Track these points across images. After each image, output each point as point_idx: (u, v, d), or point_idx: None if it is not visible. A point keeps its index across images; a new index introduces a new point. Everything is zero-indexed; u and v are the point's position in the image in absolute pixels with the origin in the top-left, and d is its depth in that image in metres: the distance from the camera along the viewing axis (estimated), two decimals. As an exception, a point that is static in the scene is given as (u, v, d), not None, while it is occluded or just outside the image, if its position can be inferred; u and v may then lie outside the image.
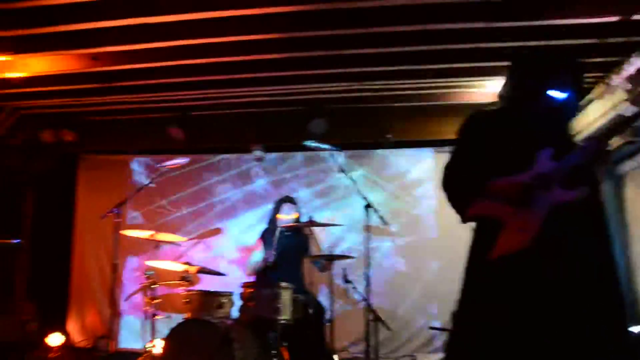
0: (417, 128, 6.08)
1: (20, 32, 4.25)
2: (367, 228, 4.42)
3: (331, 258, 4.59)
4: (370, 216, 4.42)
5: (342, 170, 4.48)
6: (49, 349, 6.45)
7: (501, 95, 2.20)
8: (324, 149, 4.52)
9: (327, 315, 4.71)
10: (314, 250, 4.83)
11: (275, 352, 4.42)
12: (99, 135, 6.79)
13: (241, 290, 4.43)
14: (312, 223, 4.49)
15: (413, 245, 6.17)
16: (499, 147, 2.02)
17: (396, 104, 5.90)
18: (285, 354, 4.27)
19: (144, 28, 4.18)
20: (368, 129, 6.10)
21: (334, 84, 5.28)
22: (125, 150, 6.87)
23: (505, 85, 2.19)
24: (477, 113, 2.21)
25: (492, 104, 2.23)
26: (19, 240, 3.24)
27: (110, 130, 6.74)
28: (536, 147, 1.92)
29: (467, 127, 2.16)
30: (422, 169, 6.29)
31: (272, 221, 5.05)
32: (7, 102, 6.08)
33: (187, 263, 4.71)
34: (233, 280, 5.89)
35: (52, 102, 6.02)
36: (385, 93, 5.57)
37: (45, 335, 6.62)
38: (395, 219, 6.03)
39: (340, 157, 4.65)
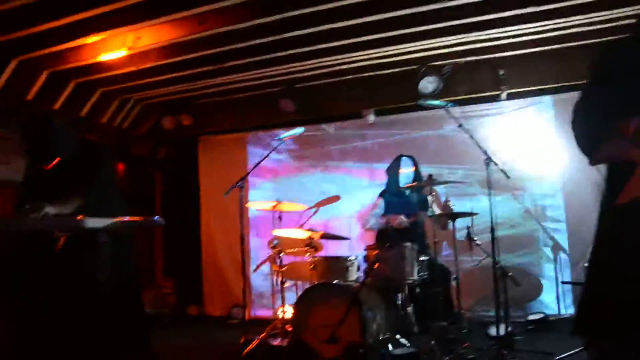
0: (533, 75, 5.76)
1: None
2: (489, 183, 4.28)
3: (453, 216, 4.52)
4: (491, 171, 4.28)
5: (460, 125, 4.35)
6: (189, 319, 6.94)
7: None
8: (438, 107, 4.41)
9: (453, 274, 4.66)
10: (434, 209, 4.76)
11: (403, 312, 4.46)
12: (214, 116, 7.12)
13: (365, 252, 4.48)
14: (432, 181, 4.42)
15: (536, 198, 5.92)
16: (636, 83, 1.85)
17: (508, 53, 5.63)
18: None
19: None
20: (481, 82, 5.88)
21: (442, 39, 5.11)
22: (239, 128, 7.11)
23: None
24: (613, 46, 2.02)
25: (631, 35, 2.03)
26: (158, 217, 3.46)
27: (224, 111, 7.03)
28: None
29: (601, 61, 1.99)
30: (541, 118, 5.97)
31: (391, 180, 5.04)
32: (131, 95, 6.52)
33: (311, 230, 4.82)
34: (356, 243, 5.99)
35: (169, 90, 6.37)
36: (495, 43, 5.32)
37: (184, 306, 7.14)
38: (517, 172, 5.80)
39: (456, 113, 4.50)
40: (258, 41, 4.92)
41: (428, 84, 5.69)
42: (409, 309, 4.49)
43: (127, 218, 3.19)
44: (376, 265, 4.25)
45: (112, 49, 4.95)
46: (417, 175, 4.98)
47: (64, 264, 3.18)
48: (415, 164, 5.03)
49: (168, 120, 7.03)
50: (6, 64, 5.06)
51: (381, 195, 5.18)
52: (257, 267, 5.87)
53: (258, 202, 5.50)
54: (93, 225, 2.88)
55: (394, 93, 6.18)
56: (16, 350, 3.19)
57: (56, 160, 3.31)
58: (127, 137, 7.16)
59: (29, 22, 4.40)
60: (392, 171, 5.07)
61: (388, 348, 4.05)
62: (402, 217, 4.83)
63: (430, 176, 4.44)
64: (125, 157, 7.30)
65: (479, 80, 5.90)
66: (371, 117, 6.28)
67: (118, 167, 7.12)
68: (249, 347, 4.60)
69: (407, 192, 4.93)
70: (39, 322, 3.17)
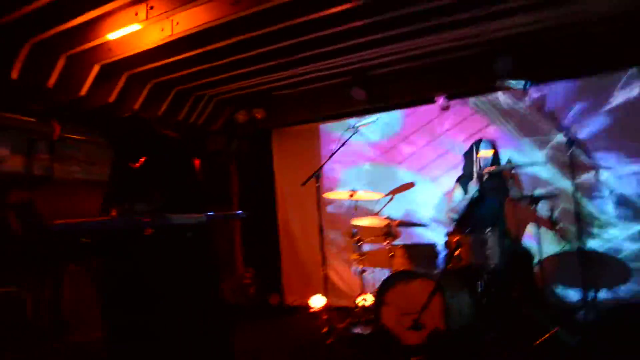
0: (617, 48, 5.44)
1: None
2: (572, 164, 4.12)
3: (535, 199, 4.37)
4: (574, 151, 4.11)
5: (540, 107, 4.21)
6: (269, 309, 7.09)
7: None
8: (515, 88, 4.27)
9: (536, 259, 4.52)
10: (515, 192, 4.60)
11: (486, 298, 4.38)
12: (286, 108, 7.20)
13: (445, 239, 4.42)
14: (512, 164, 4.29)
15: (623, 178, 5.62)
16: None
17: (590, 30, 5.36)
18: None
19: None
20: (559, 59, 5.62)
21: (515, 18, 4.92)
22: (312, 118, 7.15)
23: None
24: None
25: None
26: (240, 212, 3.56)
27: (296, 102, 7.09)
28: None
29: None
30: (623, 93, 5.64)
31: (468, 165, 4.93)
32: (205, 91, 6.69)
33: (389, 218, 4.81)
34: (434, 230, 5.91)
35: (241, 85, 6.48)
36: (573, 19, 5.07)
37: (264, 297, 7.28)
38: (599, 150, 5.54)
39: (534, 93, 4.33)
40: (328, 31, 4.92)
41: (502, 65, 5.52)
42: (492, 295, 4.41)
43: (210, 212, 3.28)
44: (457, 251, 4.20)
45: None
46: (496, 159, 4.83)
47: (150, 258, 3.30)
48: (495, 147, 4.89)
49: (241, 114, 7.17)
50: (89, 69, 5.31)
51: (458, 180, 5.07)
52: (335, 255, 5.90)
53: (334, 192, 5.53)
54: (179, 221, 2.98)
55: (467, 76, 6.03)
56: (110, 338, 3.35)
57: (143, 159, 3.41)
58: (202, 132, 7.36)
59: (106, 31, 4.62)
60: (470, 155, 4.95)
61: (472, 334, 4.00)
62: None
63: (509, 160, 4.30)
64: (201, 152, 7.51)
65: (557, 57, 5.64)
66: (444, 102, 6.15)
67: (196, 162, 7.31)
68: (332, 335, 4.65)
69: (485, 176, 4.80)
70: (130, 317, 3.31)
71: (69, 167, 6.38)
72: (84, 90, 5.38)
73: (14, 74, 4.68)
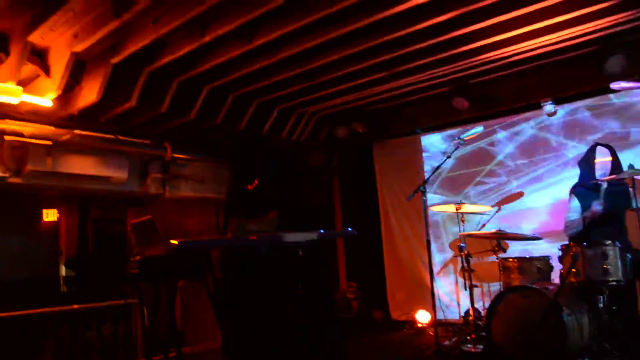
0: None
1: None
2: None
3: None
4: None
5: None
6: (374, 323, 7.05)
7: None
8: (632, 88, 3.99)
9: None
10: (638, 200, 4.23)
11: (608, 316, 4.11)
12: (386, 121, 7.18)
13: (560, 252, 4.19)
14: (634, 171, 3.99)
15: None
16: None
17: None
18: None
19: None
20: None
21: (627, 13, 4.60)
22: (412, 130, 7.08)
23: None
24: None
25: None
26: (350, 229, 3.60)
27: (396, 114, 7.05)
28: None
29: None
30: None
31: (585, 172, 4.64)
32: (305, 108, 6.81)
33: (499, 231, 4.63)
34: (546, 243, 5.64)
35: (341, 100, 6.53)
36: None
37: (369, 311, 7.26)
38: None
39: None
40: (427, 43, 4.87)
41: (614, 64, 5.18)
42: (614, 313, 4.12)
43: (321, 230, 3.33)
44: (574, 265, 3.96)
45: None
46: (615, 166, 4.50)
47: (266, 276, 3.41)
48: (613, 153, 4.56)
49: (342, 129, 7.22)
50: (198, 93, 5.56)
51: (572, 191, 4.77)
52: (441, 268, 5.79)
53: (441, 206, 5.43)
54: (292, 239, 3.04)
55: (574, 78, 5.73)
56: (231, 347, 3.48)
57: (256, 181, 3.58)
58: (304, 149, 7.48)
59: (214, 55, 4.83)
60: (586, 162, 4.64)
61: (593, 356, 3.75)
62: (595, 205, 4.38)
63: (631, 166, 4.00)
64: (304, 168, 7.64)
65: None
66: (551, 107, 5.88)
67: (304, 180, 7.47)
68: (440, 353, 4.54)
69: (604, 185, 4.48)
70: (246, 330, 3.42)
71: (179, 185, 6.74)
72: (193, 114, 5.65)
73: (133, 102, 5.00)
